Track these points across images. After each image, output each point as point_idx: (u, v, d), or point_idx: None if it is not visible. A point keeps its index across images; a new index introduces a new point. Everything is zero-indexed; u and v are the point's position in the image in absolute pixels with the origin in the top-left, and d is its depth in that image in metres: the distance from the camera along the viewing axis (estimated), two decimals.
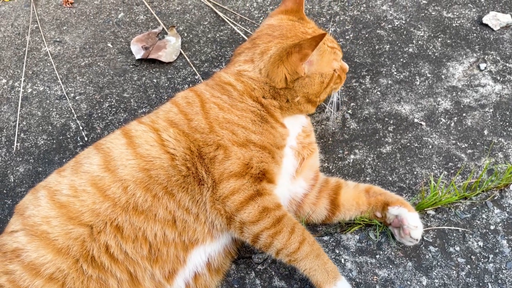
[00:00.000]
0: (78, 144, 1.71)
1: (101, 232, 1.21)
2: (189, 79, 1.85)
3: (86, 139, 1.72)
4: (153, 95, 1.81)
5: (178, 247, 1.27)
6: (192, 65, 1.88)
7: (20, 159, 1.69)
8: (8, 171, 1.66)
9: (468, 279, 1.38)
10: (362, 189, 1.47)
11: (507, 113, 1.67)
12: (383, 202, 1.42)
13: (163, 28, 1.99)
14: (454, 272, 1.39)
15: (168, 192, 1.26)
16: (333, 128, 1.68)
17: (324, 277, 1.26)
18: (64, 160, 1.66)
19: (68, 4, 2.09)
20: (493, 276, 1.38)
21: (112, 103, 1.81)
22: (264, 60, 1.37)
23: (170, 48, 1.90)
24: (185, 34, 1.97)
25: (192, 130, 1.31)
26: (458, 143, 1.62)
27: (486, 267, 1.39)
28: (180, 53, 1.91)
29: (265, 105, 1.37)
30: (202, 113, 1.33)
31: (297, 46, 1.30)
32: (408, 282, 1.38)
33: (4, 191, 1.62)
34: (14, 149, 1.71)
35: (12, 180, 1.64)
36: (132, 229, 1.23)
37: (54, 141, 1.72)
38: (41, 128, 1.76)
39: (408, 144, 1.63)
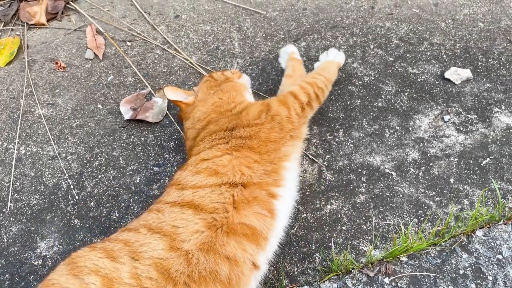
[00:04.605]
0: (69, 203, 1.79)
1: None
2: (175, 136, 1.97)
3: (76, 197, 1.81)
4: (141, 153, 1.92)
5: None
6: (177, 124, 2.00)
7: (13, 219, 1.77)
8: (2, 231, 1.74)
9: None
10: None
11: (471, 161, 1.80)
12: None
13: (150, 90, 2.13)
14: None
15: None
16: (310, 180, 1.79)
17: None
18: (55, 219, 1.75)
19: (60, 68, 2.23)
20: None
21: (102, 162, 1.91)
22: None
23: (157, 109, 2.03)
24: None
25: None
26: (427, 191, 1.74)
27: None
28: (167, 113, 2.04)
29: None
30: None
31: None
32: None
33: None
34: (8, 209, 1.79)
35: (6, 240, 1.72)
36: None
37: (46, 201, 1.81)
38: (33, 188, 1.84)
39: (380, 193, 1.74)
